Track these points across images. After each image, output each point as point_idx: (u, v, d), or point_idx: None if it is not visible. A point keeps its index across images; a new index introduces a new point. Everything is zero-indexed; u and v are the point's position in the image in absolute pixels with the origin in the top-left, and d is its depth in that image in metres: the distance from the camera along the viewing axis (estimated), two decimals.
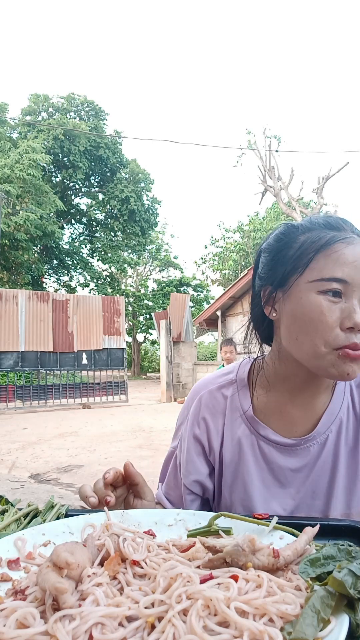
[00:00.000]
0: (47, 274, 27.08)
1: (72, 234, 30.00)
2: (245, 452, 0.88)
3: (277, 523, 0.60)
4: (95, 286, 29.43)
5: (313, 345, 0.74)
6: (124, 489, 0.82)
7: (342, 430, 0.86)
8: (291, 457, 0.86)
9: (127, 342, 24.09)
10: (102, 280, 29.93)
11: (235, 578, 0.45)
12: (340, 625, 0.39)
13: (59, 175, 27.45)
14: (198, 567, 0.51)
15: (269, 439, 0.86)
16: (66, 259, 27.79)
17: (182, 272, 32.93)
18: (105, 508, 0.66)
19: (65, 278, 29.19)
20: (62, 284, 29.03)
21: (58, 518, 0.68)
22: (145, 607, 0.42)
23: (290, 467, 0.86)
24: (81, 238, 30.04)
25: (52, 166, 26.12)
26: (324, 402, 0.87)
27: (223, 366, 4.16)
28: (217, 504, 0.94)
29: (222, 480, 0.91)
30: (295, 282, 0.78)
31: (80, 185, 28.81)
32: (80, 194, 29.62)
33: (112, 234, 29.14)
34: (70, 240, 29.09)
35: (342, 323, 0.72)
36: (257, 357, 0.93)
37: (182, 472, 0.93)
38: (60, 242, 26.41)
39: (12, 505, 0.72)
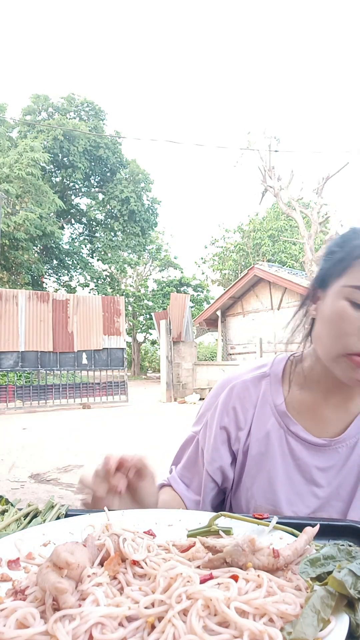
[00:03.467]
0: (47, 274, 27.08)
1: (72, 234, 30.04)
2: (272, 445, 0.88)
3: (277, 523, 0.60)
4: (95, 286, 29.45)
5: (330, 347, 0.77)
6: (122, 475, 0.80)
7: None
8: (318, 456, 0.86)
9: (127, 342, 24.09)
10: (102, 280, 29.95)
11: (235, 578, 0.45)
12: (340, 625, 0.39)
13: (58, 175, 27.46)
14: (198, 567, 0.51)
15: (299, 436, 0.86)
16: (66, 259, 27.80)
17: (182, 272, 32.93)
18: (105, 508, 0.66)
19: (65, 278, 29.22)
20: (62, 284, 29.05)
21: (58, 518, 0.68)
22: (145, 607, 0.42)
23: (317, 466, 0.86)
24: (81, 238, 30.06)
25: (51, 166, 26.13)
26: (359, 405, 0.88)
27: None
28: (233, 493, 0.93)
29: (244, 471, 0.91)
30: (333, 284, 0.79)
31: (80, 185, 28.82)
32: (80, 194, 29.64)
33: (112, 234, 29.15)
34: (70, 240, 29.11)
35: None
36: (294, 353, 0.94)
37: (206, 459, 0.92)
38: (60, 242, 26.42)
39: (12, 505, 0.72)
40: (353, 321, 0.74)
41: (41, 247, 25.19)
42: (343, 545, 0.49)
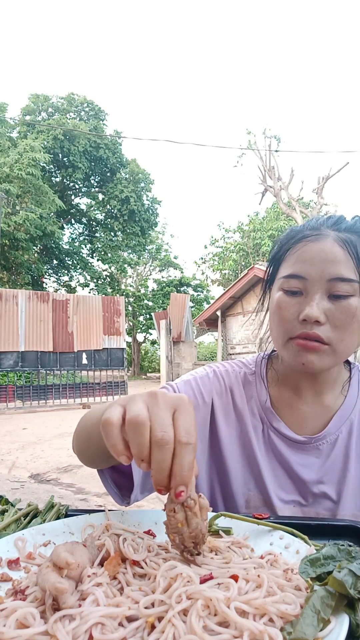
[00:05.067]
0: (47, 274, 27.08)
1: (72, 234, 30.04)
2: (252, 439, 0.89)
3: (277, 523, 0.61)
4: (95, 286, 29.46)
5: (277, 337, 0.82)
6: None
7: (354, 432, 0.87)
8: (300, 453, 0.87)
9: (127, 342, 24.10)
10: (102, 280, 29.96)
11: (235, 578, 0.46)
12: (340, 625, 0.39)
13: (58, 175, 27.47)
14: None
15: (281, 433, 0.88)
16: (66, 259, 27.80)
17: (182, 272, 32.92)
18: (105, 508, 0.66)
19: (65, 278, 29.22)
20: (62, 284, 29.05)
21: (58, 518, 0.68)
22: (145, 607, 0.42)
23: (298, 462, 0.87)
24: (81, 238, 30.07)
25: (51, 166, 26.14)
26: (337, 401, 0.89)
27: None
28: (225, 482, 0.91)
29: (226, 460, 0.90)
30: (275, 280, 0.86)
31: (80, 185, 28.82)
32: (80, 194, 29.64)
33: (112, 234, 29.15)
34: (70, 240, 29.11)
35: (299, 317, 0.78)
36: (273, 350, 0.97)
37: None
38: (60, 242, 26.42)
39: (12, 505, 0.72)
40: (289, 307, 0.79)
41: (41, 247, 25.19)
42: (343, 545, 0.49)
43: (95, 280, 29.57)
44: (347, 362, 0.94)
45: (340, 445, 0.86)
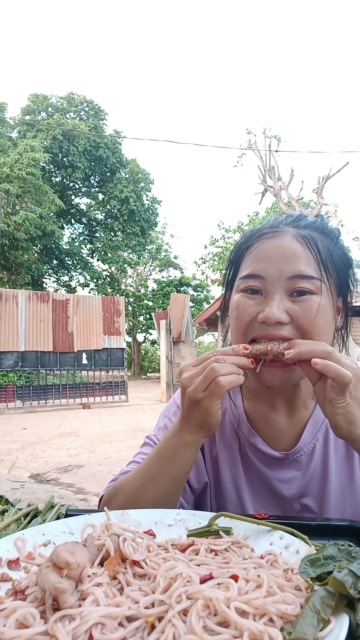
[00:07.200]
0: (47, 274, 27.11)
1: (72, 234, 30.09)
2: (233, 454, 0.87)
3: (277, 523, 0.61)
4: (95, 286, 29.50)
5: (237, 341, 0.78)
6: None
7: (330, 438, 0.84)
8: (279, 469, 0.84)
9: (127, 342, 24.10)
10: (102, 280, 30.00)
11: (235, 578, 0.45)
12: (340, 625, 0.39)
13: (58, 175, 27.49)
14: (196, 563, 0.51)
15: (257, 448, 0.85)
16: (66, 259, 27.83)
17: (182, 272, 32.93)
18: (105, 508, 0.65)
19: (65, 278, 29.26)
20: (62, 284, 29.08)
21: (58, 518, 0.68)
22: (145, 607, 0.42)
23: (277, 478, 0.84)
24: (81, 238, 30.11)
25: (51, 166, 26.17)
26: (309, 409, 0.85)
27: None
28: (210, 495, 0.91)
29: (208, 474, 0.89)
30: (235, 283, 0.81)
31: (80, 185, 28.86)
32: (80, 194, 29.67)
33: (112, 234, 29.19)
34: (70, 240, 29.15)
35: (257, 317, 0.74)
36: None
37: None
38: (60, 242, 26.46)
39: (12, 505, 0.72)
40: (246, 308, 0.75)
41: (41, 247, 25.21)
42: (343, 545, 0.49)
43: (95, 280, 29.61)
44: None
45: (318, 454, 0.83)
